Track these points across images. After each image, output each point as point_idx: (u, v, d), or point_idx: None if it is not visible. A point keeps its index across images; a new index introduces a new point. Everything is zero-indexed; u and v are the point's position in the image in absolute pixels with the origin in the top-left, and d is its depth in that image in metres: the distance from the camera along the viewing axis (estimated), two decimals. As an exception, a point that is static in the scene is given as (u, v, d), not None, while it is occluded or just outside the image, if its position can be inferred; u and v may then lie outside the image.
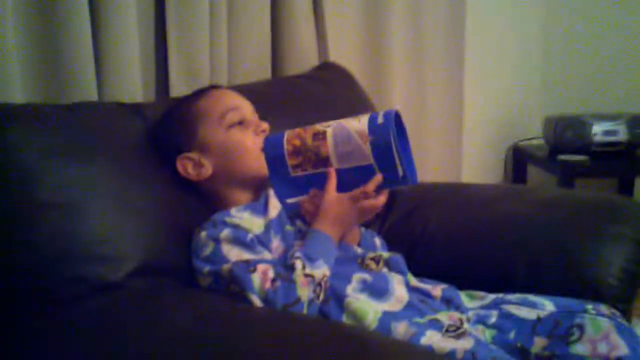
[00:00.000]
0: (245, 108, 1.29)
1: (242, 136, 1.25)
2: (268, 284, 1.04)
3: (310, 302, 1.05)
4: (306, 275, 1.05)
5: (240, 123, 1.26)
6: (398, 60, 2.05)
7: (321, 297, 1.08)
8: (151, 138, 1.29)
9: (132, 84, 1.47)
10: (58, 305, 1.04)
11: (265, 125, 1.28)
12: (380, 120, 1.09)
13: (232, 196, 1.25)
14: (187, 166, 1.25)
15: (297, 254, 1.08)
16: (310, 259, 1.08)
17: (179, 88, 1.55)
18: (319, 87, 1.72)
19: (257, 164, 1.21)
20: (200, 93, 1.32)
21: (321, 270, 1.08)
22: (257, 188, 1.25)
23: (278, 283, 1.04)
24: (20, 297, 1.06)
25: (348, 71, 1.83)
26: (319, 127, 1.14)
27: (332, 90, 1.73)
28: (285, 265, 1.07)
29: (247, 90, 1.53)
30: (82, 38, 1.38)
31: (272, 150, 1.15)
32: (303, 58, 1.81)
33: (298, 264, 1.06)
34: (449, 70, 2.20)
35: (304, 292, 1.04)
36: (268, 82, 1.73)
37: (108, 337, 0.97)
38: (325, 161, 1.12)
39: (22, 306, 1.06)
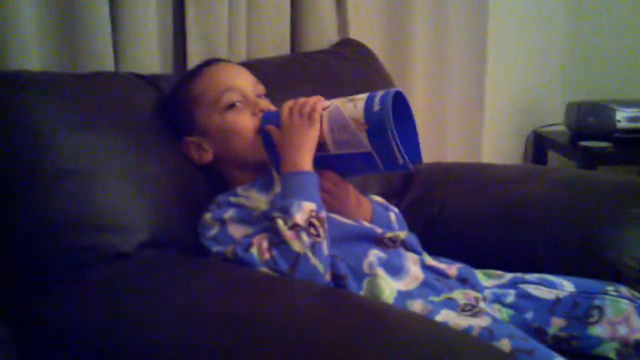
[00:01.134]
0: (243, 85, 1.24)
1: (238, 119, 1.22)
2: (266, 255, 1.02)
3: (312, 246, 1.02)
4: (291, 228, 1.02)
5: (237, 104, 1.22)
6: (420, 40, 2.01)
7: (321, 232, 1.04)
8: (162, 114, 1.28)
9: (149, 56, 1.47)
10: (69, 272, 1.03)
11: (263, 105, 1.24)
12: (376, 107, 1.03)
13: (235, 178, 1.24)
14: (191, 150, 1.25)
15: (273, 213, 1.05)
16: (284, 210, 1.04)
17: (196, 61, 1.52)
18: (339, 63, 1.70)
19: (254, 146, 1.19)
20: (197, 72, 1.29)
21: (301, 212, 1.03)
22: (259, 169, 1.23)
23: (274, 251, 1.02)
24: (31, 263, 1.06)
25: (369, 48, 1.80)
26: None
27: (352, 66, 1.70)
28: (271, 230, 1.04)
29: (265, 65, 1.52)
30: (99, 6, 1.37)
31: (269, 133, 1.14)
32: (323, 34, 1.78)
33: (277, 222, 1.03)
34: (471, 52, 2.16)
35: (298, 245, 1.01)
36: (287, 57, 1.71)
37: (116, 304, 0.95)
38: (322, 145, 1.10)
39: (32, 272, 1.05)
